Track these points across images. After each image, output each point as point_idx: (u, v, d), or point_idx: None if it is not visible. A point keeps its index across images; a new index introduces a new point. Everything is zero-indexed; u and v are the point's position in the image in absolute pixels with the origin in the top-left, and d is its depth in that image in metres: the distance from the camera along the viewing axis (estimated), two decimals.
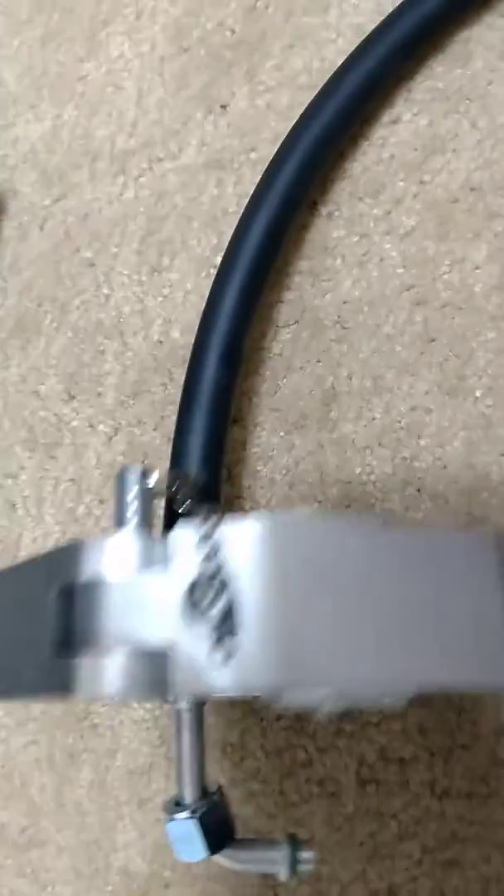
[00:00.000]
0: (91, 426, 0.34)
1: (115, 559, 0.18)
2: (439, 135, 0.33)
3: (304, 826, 0.33)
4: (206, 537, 0.16)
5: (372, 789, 0.33)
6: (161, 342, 0.34)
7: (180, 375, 0.34)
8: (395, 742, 0.33)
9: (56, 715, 0.34)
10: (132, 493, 0.19)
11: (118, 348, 0.34)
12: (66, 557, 0.18)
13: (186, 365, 0.34)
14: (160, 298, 0.34)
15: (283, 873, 0.24)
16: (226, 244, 0.32)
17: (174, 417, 0.35)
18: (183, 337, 0.34)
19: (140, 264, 0.34)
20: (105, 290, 0.35)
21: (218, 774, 0.33)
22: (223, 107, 0.34)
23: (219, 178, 0.34)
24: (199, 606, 0.16)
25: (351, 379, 0.32)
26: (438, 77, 0.33)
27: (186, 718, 0.22)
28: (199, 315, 0.34)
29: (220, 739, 0.34)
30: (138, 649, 0.17)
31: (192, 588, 0.16)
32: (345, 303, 0.33)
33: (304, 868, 0.24)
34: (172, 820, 0.22)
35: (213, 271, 0.34)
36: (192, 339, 0.34)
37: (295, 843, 0.23)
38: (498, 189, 0.32)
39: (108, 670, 0.17)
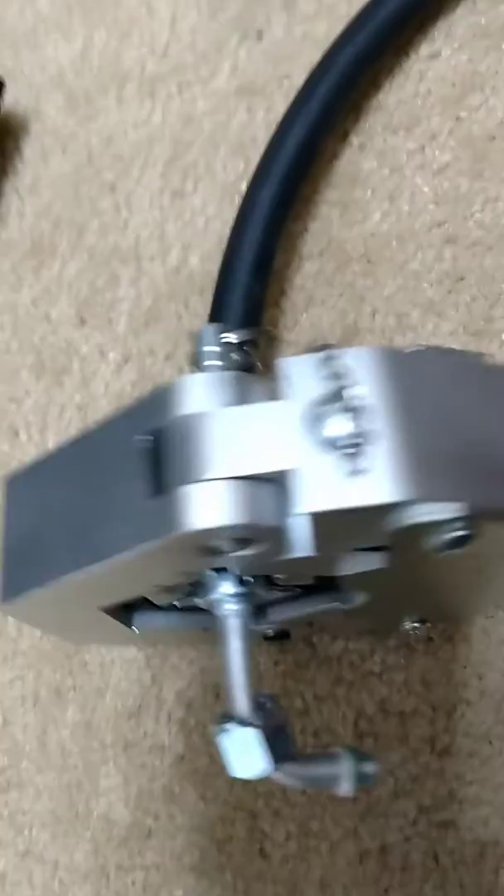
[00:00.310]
0: (101, 353, 0.33)
1: (211, 393, 0.17)
2: (479, 71, 0.32)
3: None
4: (330, 359, 0.16)
5: (370, 743, 0.31)
6: (178, 269, 0.33)
7: (196, 304, 0.34)
8: (396, 694, 0.31)
9: (45, 649, 0.33)
10: (212, 344, 0.18)
11: (133, 274, 0.33)
12: (155, 401, 0.18)
13: (202, 293, 0.33)
14: (180, 224, 0.33)
15: (345, 788, 0.22)
16: (252, 171, 0.31)
17: (188, 348, 0.34)
18: (202, 264, 0.33)
19: (162, 189, 0.34)
20: (124, 214, 0.34)
21: (210, 719, 0.32)
22: (259, 33, 0.34)
23: (249, 105, 0.33)
24: (322, 428, 0.16)
25: (374, 316, 0.31)
26: (481, 12, 0.32)
27: (234, 624, 0.21)
28: (221, 242, 0.33)
29: (213, 684, 0.32)
30: (249, 474, 0.16)
31: (314, 411, 0.16)
32: (372, 235, 0.32)
33: (368, 781, 0.22)
34: (226, 732, 0.20)
35: (238, 198, 0.33)
36: (211, 266, 0.33)
37: (357, 756, 0.22)
38: None
39: (214, 498, 0.16)
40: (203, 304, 0.33)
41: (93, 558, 0.18)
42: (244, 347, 0.19)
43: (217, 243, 0.33)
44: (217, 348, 0.18)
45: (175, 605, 0.24)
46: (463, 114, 0.32)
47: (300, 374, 0.17)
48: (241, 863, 0.32)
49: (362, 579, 0.21)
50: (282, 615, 0.25)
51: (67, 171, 0.34)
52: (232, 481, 0.16)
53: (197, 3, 0.34)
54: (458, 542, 0.16)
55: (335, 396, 0.16)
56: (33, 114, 0.34)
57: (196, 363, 0.20)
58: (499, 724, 0.31)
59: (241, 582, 0.21)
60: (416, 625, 0.28)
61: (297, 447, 0.16)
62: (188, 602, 0.23)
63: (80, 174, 0.34)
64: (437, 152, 0.32)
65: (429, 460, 0.16)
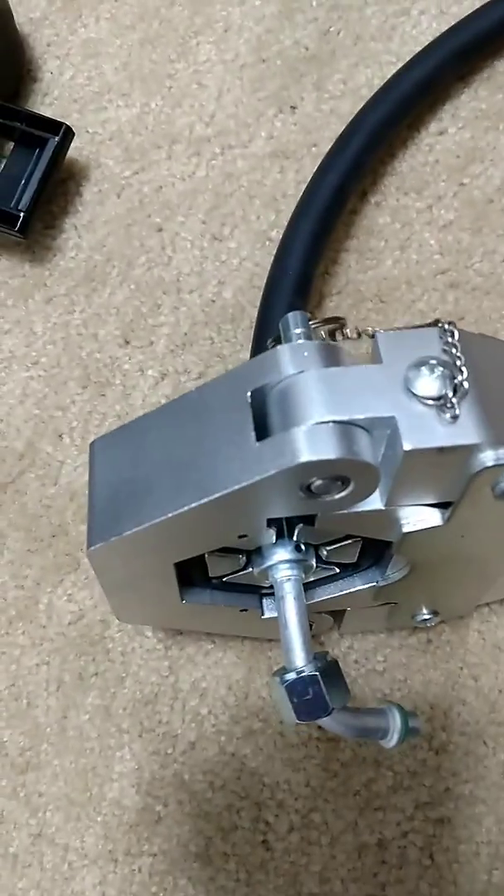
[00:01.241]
0: (141, 370, 0.38)
1: (311, 357, 0.20)
2: (479, 147, 0.38)
3: (300, 770, 0.34)
4: (420, 333, 0.20)
5: None
6: (213, 301, 0.38)
7: (228, 330, 0.38)
8: (396, 692, 0.34)
9: (72, 636, 0.35)
10: (300, 326, 0.22)
11: (174, 303, 0.38)
12: (257, 365, 0.21)
13: (233, 322, 0.37)
14: (217, 263, 0.38)
15: (393, 741, 0.23)
16: (283, 222, 0.36)
17: (218, 367, 0.38)
18: (234, 297, 0.37)
19: (203, 233, 0.39)
20: (169, 252, 0.39)
21: (222, 709, 0.34)
22: (292, 108, 0.39)
23: (282, 166, 0.39)
24: (417, 385, 0.19)
25: None
26: (482, 99, 0.38)
27: (291, 587, 0.23)
28: (252, 279, 0.37)
29: (225, 676, 0.35)
30: (351, 419, 0.19)
31: (409, 373, 0.19)
32: (385, 279, 0.37)
33: (413, 735, 0.24)
34: (287, 680, 0.22)
35: (269, 244, 0.38)
36: (242, 300, 0.38)
37: (403, 713, 0.24)
38: None
39: (322, 435, 0.19)
40: (233, 331, 0.38)
41: (201, 495, 0.20)
42: (324, 331, 0.23)
43: (248, 280, 0.38)
44: (304, 329, 0.22)
45: (222, 585, 0.27)
46: (466, 180, 0.37)
47: (395, 343, 0.20)
48: (244, 852, 0.33)
49: (410, 547, 0.23)
50: (325, 594, 0.27)
51: (121, 213, 0.39)
52: (337, 424, 0.19)
53: (241, 81, 0.40)
54: None
55: (427, 361, 0.19)
56: (94, 163, 0.40)
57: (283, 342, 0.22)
58: (492, 725, 0.33)
59: (297, 549, 0.24)
60: (427, 616, 0.31)
61: (395, 399, 0.19)
62: (239, 578, 0.26)
63: (131, 216, 0.39)
64: (442, 211, 0.37)
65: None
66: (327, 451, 0.19)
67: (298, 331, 0.22)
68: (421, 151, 0.38)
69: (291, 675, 0.22)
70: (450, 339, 0.19)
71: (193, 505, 0.20)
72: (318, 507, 0.21)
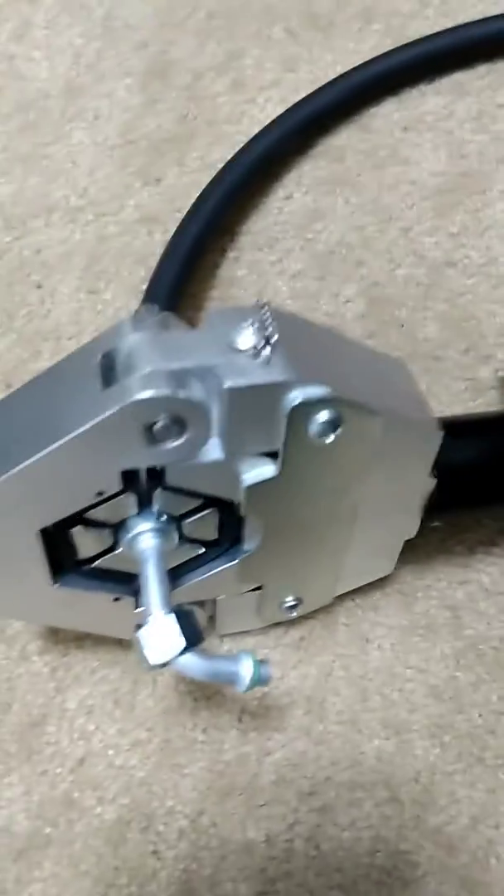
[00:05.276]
0: None
1: (151, 326, 0.26)
2: (321, 208, 0.46)
3: (187, 775, 0.37)
4: (242, 308, 0.26)
5: (252, 729, 0.37)
6: None
7: None
8: (275, 690, 0.38)
9: None
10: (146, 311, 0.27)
11: (53, 349, 0.44)
12: (105, 335, 0.26)
13: None
14: (94, 313, 0.44)
15: (243, 685, 0.27)
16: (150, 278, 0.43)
17: None
18: None
19: (80, 287, 0.45)
20: (48, 305, 0.45)
21: (109, 724, 0.37)
22: (157, 180, 0.47)
23: (149, 229, 0.46)
24: (237, 341, 0.25)
25: None
26: (321, 168, 0.47)
27: (151, 552, 0.28)
28: None
29: (112, 691, 0.38)
30: (181, 367, 0.24)
31: (230, 335, 0.25)
32: None
33: (263, 683, 0.28)
34: (145, 623, 0.26)
35: (140, 294, 0.45)
36: None
37: (256, 661, 0.28)
38: (363, 246, 0.45)
39: (155, 378, 0.24)
40: None
41: (51, 441, 0.24)
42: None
43: None
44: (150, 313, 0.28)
45: (94, 572, 0.31)
46: (310, 235, 0.46)
47: (221, 315, 0.26)
48: (135, 865, 0.36)
49: (255, 508, 0.28)
50: (193, 578, 0.32)
51: (2, 274, 0.45)
52: (168, 371, 0.24)
53: (111, 159, 0.48)
54: (330, 425, 0.25)
55: (244, 322, 0.25)
56: None
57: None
58: (365, 712, 0.38)
59: (158, 519, 0.29)
60: (293, 603, 0.36)
61: (219, 351, 0.24)
62: (109, 563, 0.30)
63: (12, 276, 0.45)
64: (292, 263, 0.45)
65: (310, 365, 0.25)
66: (160, 390, 0.24)
67: (143, 313, 0.27)
68: (272, 213, 0.46)
69: (148, 620, 0.26)
70: (263, 311, 0.26)
71: (44, 453, 0.25)
72: (161, 456, 0.26)
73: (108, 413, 0.24)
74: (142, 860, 0.35)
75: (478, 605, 0.39)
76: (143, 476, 0.27)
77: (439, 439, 0.30)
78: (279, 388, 0.25)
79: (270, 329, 0.25)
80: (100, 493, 0.27)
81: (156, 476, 0.27)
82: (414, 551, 0.37)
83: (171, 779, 0.36)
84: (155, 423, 0.25)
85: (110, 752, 0.37)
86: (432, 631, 0.38)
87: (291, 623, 0.38)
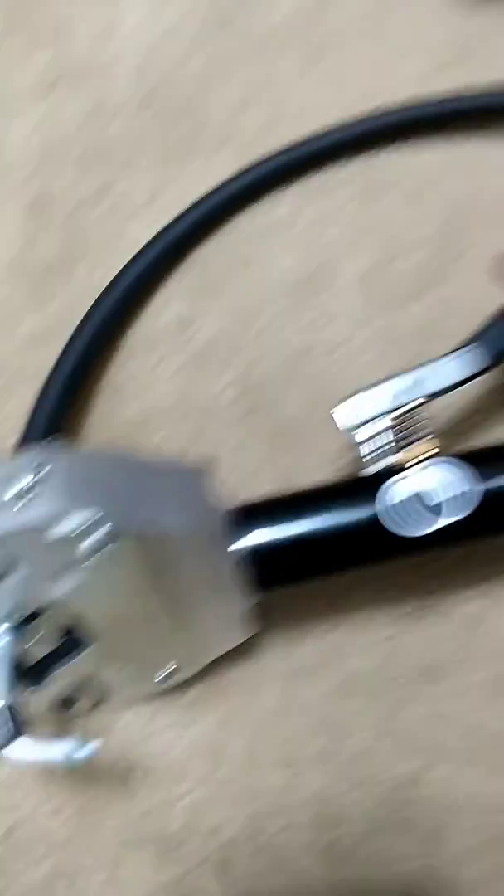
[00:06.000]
0: None
1: None
2: (194, 322, 0.53)
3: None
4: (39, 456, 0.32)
5: (156, 787, 0.42)
6: None
7: None
8: (171, 757, 0.43)
9: None
10: None
11: None
12: None
13: None
14: None
15: (66, 762, 0.32)
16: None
17: None
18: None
19: None
20: None
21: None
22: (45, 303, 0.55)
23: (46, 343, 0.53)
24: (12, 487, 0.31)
25: None
26: (195, 278, 0.55)
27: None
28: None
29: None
30: None
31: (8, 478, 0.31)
32: (129, 418, 0.51)
33: (80, 761, 0.32)
34: None
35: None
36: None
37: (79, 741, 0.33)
38: (230, 344, 0.52)
39: None
40: None
41: None
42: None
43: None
44: None
45: None
46: (184, 338, 0.53)
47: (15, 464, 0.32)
48: None
49: (79, 616, 0.34)
50: (56, 672, 0.37)
51: None
52: None
53: (10, 289, 0.55)
54: (101, 543, 0.30)
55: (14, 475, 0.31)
56: None
57: None
58: (260, 753, 0.43)
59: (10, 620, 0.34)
60: (167, 674, 0.41)
61: None
62: None
63: None
64: (170, 365, 0.52)
65: (77, 496, 0.31)
66: None
67: None
68: (149, 319, 0.53)
69: None
70: (34, 460, 0.32)
71: None
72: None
73: None
74: None
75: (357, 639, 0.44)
76: None
77: (227, 536, 0.36)
78: (41, 525, 0.30)
79: (36, 475, 0.30)
80: None
81: None
82: (288, 602, 0.43)
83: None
84: None
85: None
86: (312, 672, 0.44)
87: (186, 684, 0.43)
